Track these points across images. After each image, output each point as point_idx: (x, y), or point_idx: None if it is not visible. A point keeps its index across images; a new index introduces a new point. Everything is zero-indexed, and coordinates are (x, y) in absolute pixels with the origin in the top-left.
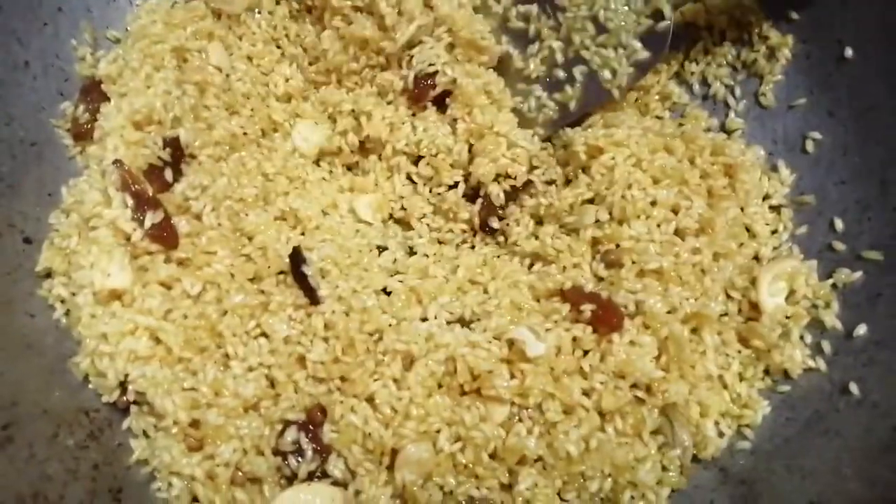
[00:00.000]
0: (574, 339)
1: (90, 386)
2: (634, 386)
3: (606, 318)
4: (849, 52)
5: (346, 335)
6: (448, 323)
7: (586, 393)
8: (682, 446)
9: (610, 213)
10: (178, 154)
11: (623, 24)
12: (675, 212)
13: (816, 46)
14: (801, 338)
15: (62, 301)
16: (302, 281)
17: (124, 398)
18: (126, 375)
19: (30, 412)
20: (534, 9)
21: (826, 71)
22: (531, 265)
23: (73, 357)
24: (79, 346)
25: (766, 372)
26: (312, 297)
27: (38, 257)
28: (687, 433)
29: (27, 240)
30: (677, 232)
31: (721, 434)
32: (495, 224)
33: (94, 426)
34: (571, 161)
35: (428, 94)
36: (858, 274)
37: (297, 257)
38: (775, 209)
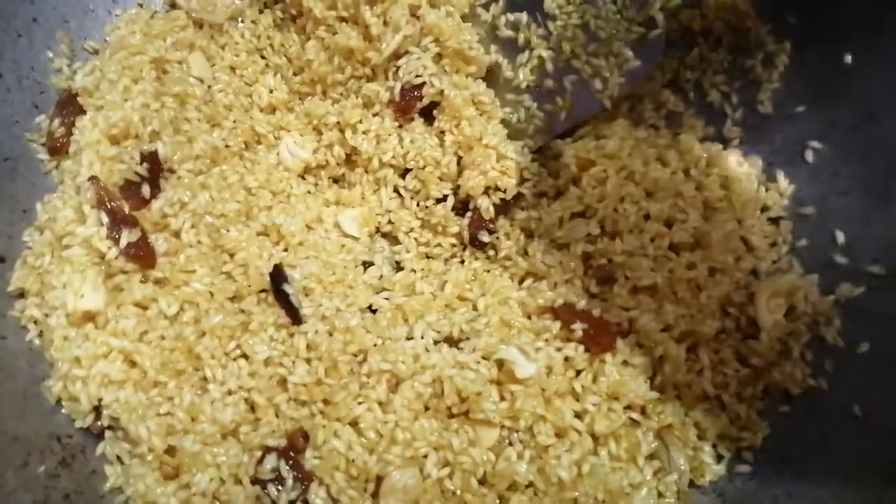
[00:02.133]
0: (566, 358)
1: (63, 410)
2: (628, 407)
3: (598, 338)
4: (848, 58)
5: (329, 356)
6: (435, 342)
7: (578, 415)
8: (679, 471)
9: (602, 228)
10: (155, 169)
11: (615, 32)
12: (670, 225)
13: (815, 53)
14: (802, 356)
15: (35, 322)
16: (283, 300)
17: (98, 423)
18: (100, 400)
19: None
20: (523, 17)
21: (826, 78)
22: (521, 280)
23: (45, 380)
24: (52, 368)
25: (766, 391)
26: (294, 317)
27: (10, 276)
28: (684, 457)
29: None
30: (672, 246)
31: (719, 457)
32: (485, 238)
33: (67, 452)
34: (562, 173)
35: (415, 106)
36: (861, 289)
37: (278, 276)
38: (774, 221)
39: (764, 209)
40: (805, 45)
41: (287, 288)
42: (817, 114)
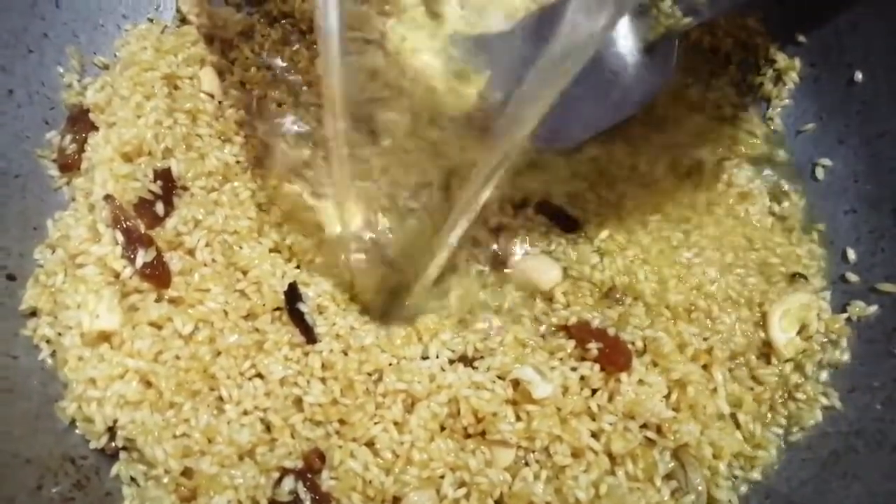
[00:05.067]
0: (581, 377)
1: (77, 431)
2: (644, 426)
3: (614, 358)
4: (858, 76)
5: (344, 376)
6: (450, 361)
7: (595, 435)
8: (696, 492)
9: None
10: (169, 186)
11: None
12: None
13: (825, 70)
14: (816, 374)
15: (48, 341)
16: (298, 319)
17: (113, 444)
18: (115, 421)
19: (11, 462)
20: None
21: (835, 95)
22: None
23: (59, 401)
24: (65, 388)
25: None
26: (309, 336)
27: (21, 295)
28: (700, 476)
29: (10, 276)
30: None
31: (735, 476)
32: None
33: (81, 474)
34: None
35: None
36: (874, 308)
37: (292, 294)
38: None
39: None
40: (815, 62)
41: (301, 306)
42: (827, 131)
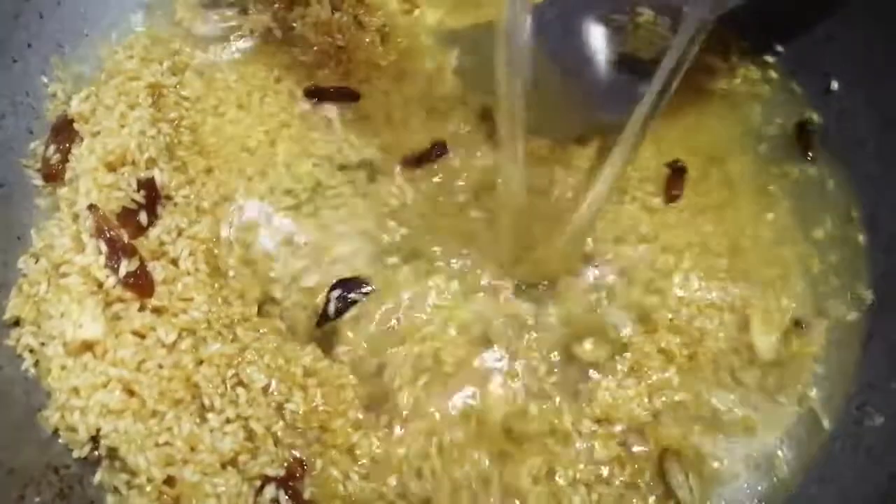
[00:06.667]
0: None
1: (60, 440)
2: (627, 431)
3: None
4: (835, 84)
5: (326, 383)
6: None
7: (577, 439)
8: (678, 497)
9: None
10: (152, 196)
11: None
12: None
13: (803, 79)
14: (795, 378)
15: (31, 351)
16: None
17: (96, 453)
18: (98, 430)
19: None
20: None
21: (813, 103)
22: None
23: (42, 410)
24: (48, 397)
25: None
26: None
27: (5, 304)
28: (684, 481)
29: None
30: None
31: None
32: None
33: (64, 484)
34: None
35: None
36: (854, 314)
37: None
38: None
39: None
40: (793, 70)
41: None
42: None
